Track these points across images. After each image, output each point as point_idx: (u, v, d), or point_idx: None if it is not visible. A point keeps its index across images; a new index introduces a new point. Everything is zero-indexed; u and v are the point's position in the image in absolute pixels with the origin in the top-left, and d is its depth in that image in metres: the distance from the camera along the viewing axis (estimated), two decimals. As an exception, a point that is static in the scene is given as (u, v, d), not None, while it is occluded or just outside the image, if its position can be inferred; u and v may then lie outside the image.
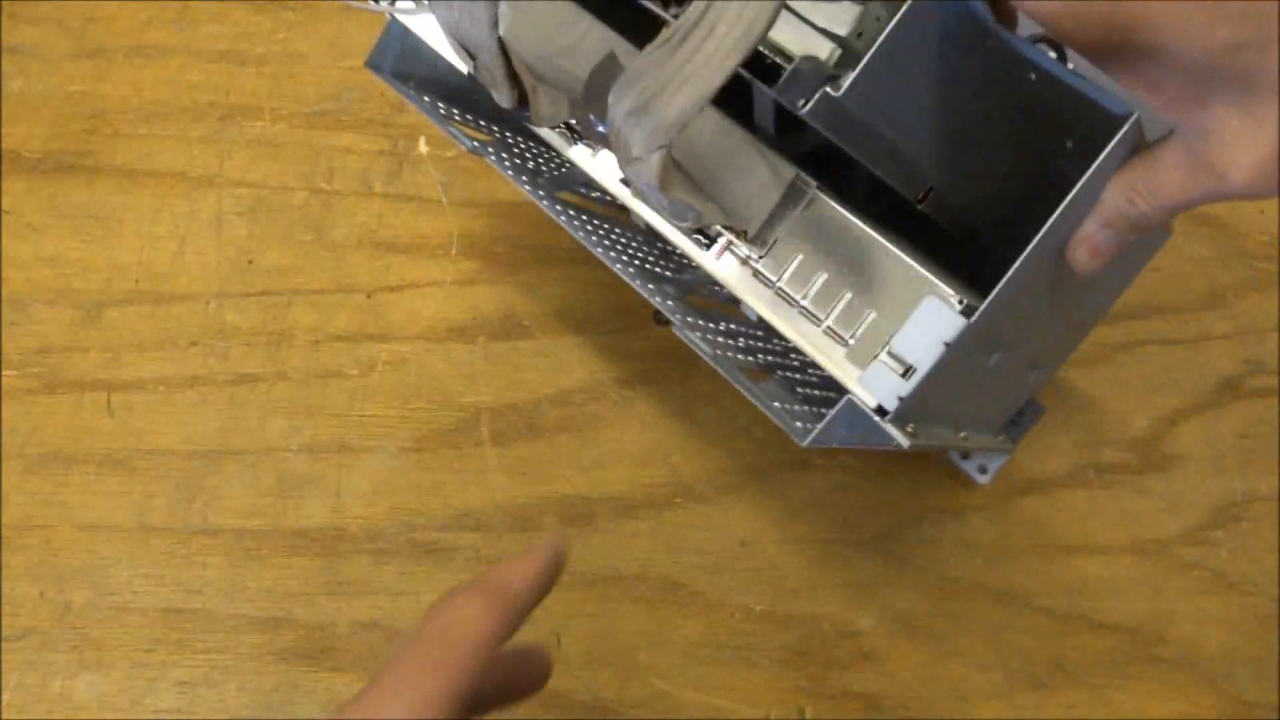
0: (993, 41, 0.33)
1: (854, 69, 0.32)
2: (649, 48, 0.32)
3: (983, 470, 0.50)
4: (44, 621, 0.47)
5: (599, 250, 0.42)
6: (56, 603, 0.48)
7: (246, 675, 0.46)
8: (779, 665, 0.48)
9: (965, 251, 0.38)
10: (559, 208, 0.43)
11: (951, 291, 0.34)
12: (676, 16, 0.32)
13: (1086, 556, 0.49)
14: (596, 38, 0.40)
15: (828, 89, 0.32)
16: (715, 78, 0.31)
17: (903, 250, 0.36)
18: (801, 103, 0.33)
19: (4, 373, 0.54)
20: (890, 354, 0.34)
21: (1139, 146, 0.34)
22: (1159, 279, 0.57)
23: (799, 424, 0.35)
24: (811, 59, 0.33)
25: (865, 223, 0.36)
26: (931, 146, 0.37)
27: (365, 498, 0.50)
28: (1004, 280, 0.33)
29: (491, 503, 0.50)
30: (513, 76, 0.38)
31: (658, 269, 0.45)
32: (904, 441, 0.34)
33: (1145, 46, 0.30)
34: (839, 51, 0.33)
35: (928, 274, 0.35)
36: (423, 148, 0.60)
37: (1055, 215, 0.33)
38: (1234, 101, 0.30)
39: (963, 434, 0.41)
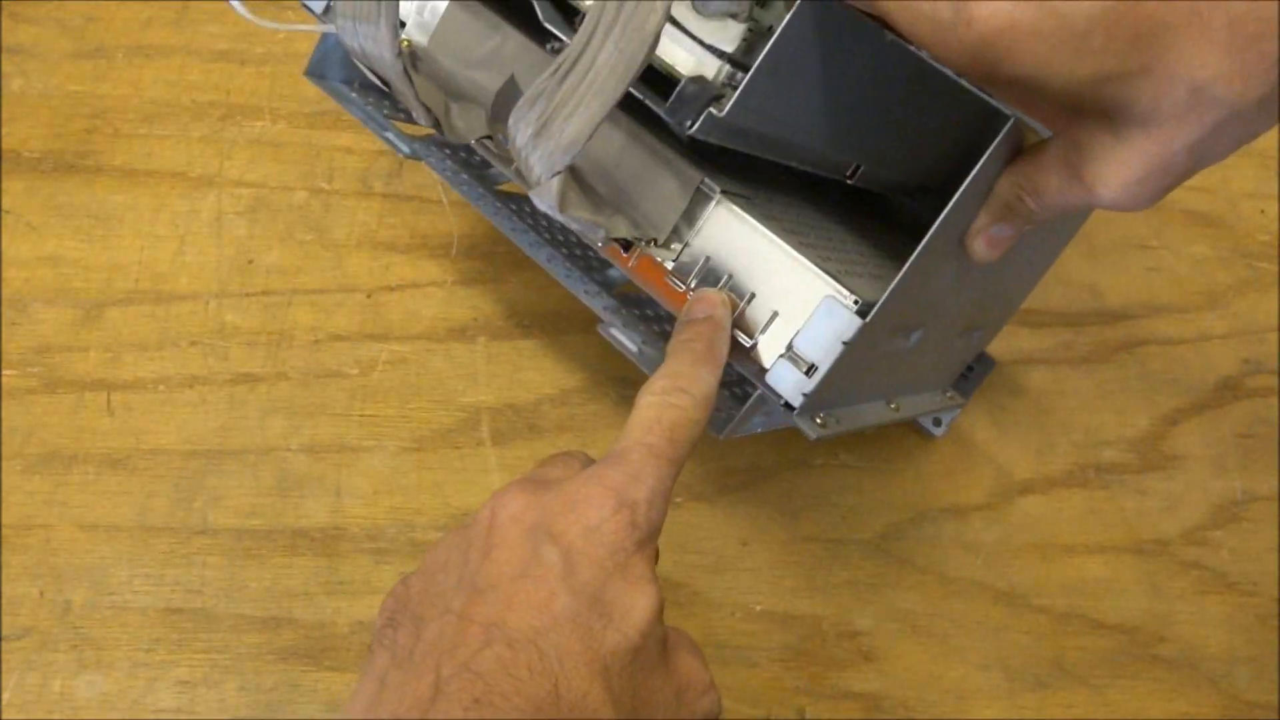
0: (890, 38, 0.34)
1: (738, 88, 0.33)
2: (544, 74, 0.33)
3: (937, 423, 0.51)
4: (44, 621, 0.47)
5: (532, 250, 0.43)
6: (56, 603, 0.48)
7: (246, 675, 0.46)
8: (779, 665, 0.48)
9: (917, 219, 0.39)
10: (498, 205, 0.44)
11: (847, 292, 0.35)
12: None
13: (1086, 556, 0.49)
14: (513, 47, 0.41)
15: (711, 110, 0.33)
16: (603, 103, 0.32)
17: (804, 254, 0.37)
18: (688, 124, 0.34)
19: (4, 373, 0.54)
20: (793, 352, 0.35)
21: (1028, 143, 0.35)
22: (1159, 279, 0.57)
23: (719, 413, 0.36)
24: (698, 79, 0.34)
25: (769, 227, 0.37)
26: (842, 134, 0.38)
27: (365, 498, 0.50)
28: (895, 282, 0.34)
29: (491, 503, 0.50)
30: (421, 102, 0.38)
31: (600, 259, 0.45)
32: (812, 434, 0.35)
33: (1013, 77, 0.30)
34: (727, 68, 0.34)
35: (825, 275, 0.36)
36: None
37: (943, 215, 0.34)
38: (1104, 124, 0.31)
39: (894, 405, 0.43)
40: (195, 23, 0.66)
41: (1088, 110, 0.31)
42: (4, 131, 0.62)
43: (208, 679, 0.46)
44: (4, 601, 0.48)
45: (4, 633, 0.47)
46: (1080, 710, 0.46)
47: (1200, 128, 0.30)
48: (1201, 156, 0.31)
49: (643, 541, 0.32)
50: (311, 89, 0.63)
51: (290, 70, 0.64)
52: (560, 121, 0.32)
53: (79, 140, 0.61)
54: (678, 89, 0.34)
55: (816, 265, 0.36)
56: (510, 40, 0.41)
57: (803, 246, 0.37)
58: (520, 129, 0.33)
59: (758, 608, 0.49)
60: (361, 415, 0.53)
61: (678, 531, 0.50)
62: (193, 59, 0.65)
